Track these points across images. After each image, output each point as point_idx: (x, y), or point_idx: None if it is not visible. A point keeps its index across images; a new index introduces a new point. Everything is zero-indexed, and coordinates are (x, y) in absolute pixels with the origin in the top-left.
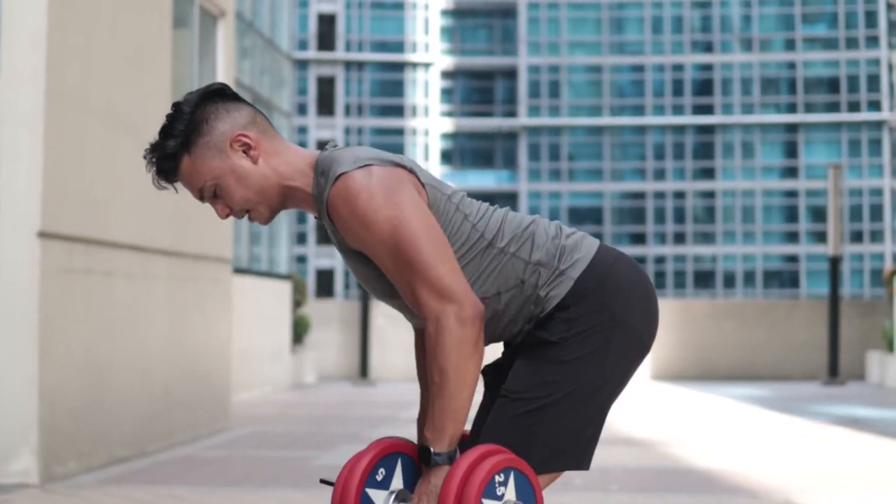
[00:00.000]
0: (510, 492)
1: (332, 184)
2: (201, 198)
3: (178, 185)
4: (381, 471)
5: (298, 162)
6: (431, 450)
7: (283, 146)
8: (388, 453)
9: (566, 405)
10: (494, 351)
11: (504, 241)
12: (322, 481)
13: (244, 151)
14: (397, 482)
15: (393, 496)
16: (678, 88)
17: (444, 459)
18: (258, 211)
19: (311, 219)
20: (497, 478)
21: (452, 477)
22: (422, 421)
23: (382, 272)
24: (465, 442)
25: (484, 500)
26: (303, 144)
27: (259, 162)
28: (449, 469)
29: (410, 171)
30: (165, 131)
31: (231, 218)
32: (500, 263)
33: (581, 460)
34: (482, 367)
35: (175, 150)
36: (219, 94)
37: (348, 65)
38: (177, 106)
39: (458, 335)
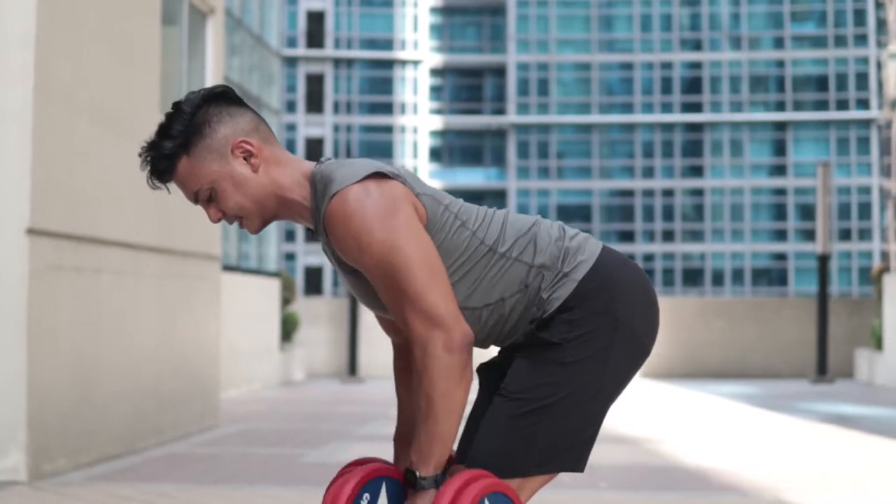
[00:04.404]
0: None
1: (328, 201)
2: (195, 200)
3: (172, 185)
4: (366, 496)
5: (297, 174)
6: (417, 474)
7: (283, 156)
8: (371, 478)
9: (565, 407)
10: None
11: (506, 246)
12: None
13: (245, 158)
14: None
15: None
16: (667, 86)
17: (430, 483)
18: (250, 219)
19: None
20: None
21: None
22: (399, 439)
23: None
24: (459, 447)
25: None
26: (291, 142)
27: (259, 171)
28: (435, 495)
29: (406, 182)
30: (164, 131)
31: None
32: (503, 268)
33: (577, 462)
34: (477, 365)
35: (173, 150)
36: (223, 97)
37: (337, 62)
38: (177, 105)
39: (446, 362)
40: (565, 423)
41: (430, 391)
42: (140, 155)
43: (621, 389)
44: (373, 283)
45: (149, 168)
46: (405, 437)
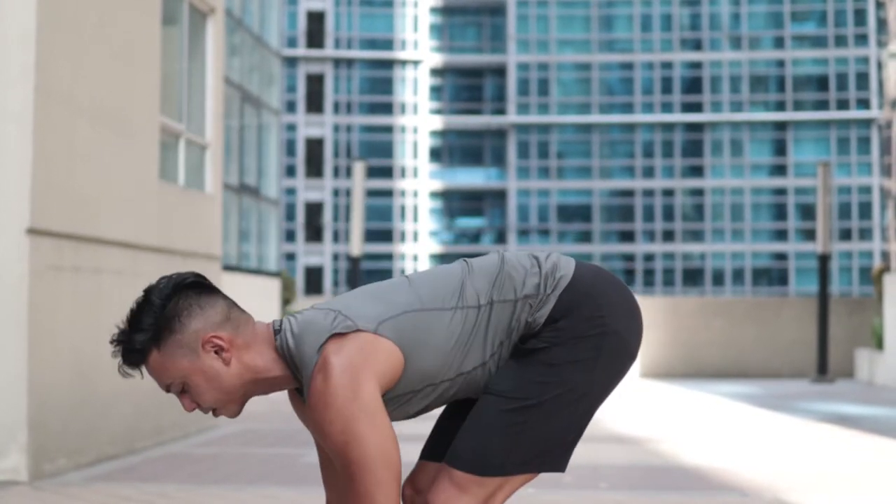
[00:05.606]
0: None
1: (309, 385)
2: (167, 391)
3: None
4: None
5: (268, 350)
6: None
7: (252, 335)
8: None
9: (552, 408)
10: None
11: (486, 297)
12: None
13: (216, 352)
14: None
15: None
16: (667, 86)
17: None
18: (227, 408)
19: (300, 217)
20: None
21: None
22: None
23: None
24: (425, 452)
25: None
26: (291, 142)
27: (231, 363)
28: None
29: (360, 329)
30: (134, 322)
31: (219, 215)
32: (492, 315)
33: (560, 463)
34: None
35: (143, 345)
36: (193, 287)
37: (337, 62)
38: (147, 295)
39: None
40: (551, 424)
41: None
42: (111, 343)
43: (608, 394)
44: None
45: (119, 359)
46: None
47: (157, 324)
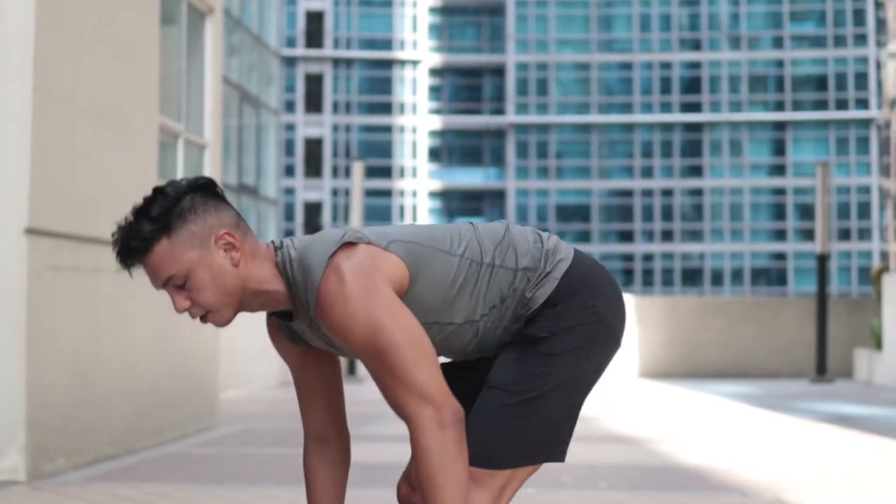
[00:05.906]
0: None
1: (315, 294)
2: (163, 285)
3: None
4: None
5: (270, 265)
6: None
7: (257, 248)
8: None
9: (552, 398)
10: None
11: (489, 257)
12: None
13: (226, 250)
14: None
15: None
16: (666, 86)
17: None
18: (220, 312)
19: (298, 217)
20: None
21: None
22: None
23: None
24: None
25: None
26: (290, 142)
27: (239, 265)
28: None
29: (371, 241)
30: (143, 212)
31: None
32: (492, 277)
33: (560, 453)
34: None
35: (153, 233)
36: (208, 189)
37: (336, 62)
38: (161, 189)
39: (439, 438)
40: (553, 414)
41: (431, 470)
42: (113, 234)
43: (597, 381)
44: (367, 368)
45: (119, 247)
46: None
47: (170, 213)
